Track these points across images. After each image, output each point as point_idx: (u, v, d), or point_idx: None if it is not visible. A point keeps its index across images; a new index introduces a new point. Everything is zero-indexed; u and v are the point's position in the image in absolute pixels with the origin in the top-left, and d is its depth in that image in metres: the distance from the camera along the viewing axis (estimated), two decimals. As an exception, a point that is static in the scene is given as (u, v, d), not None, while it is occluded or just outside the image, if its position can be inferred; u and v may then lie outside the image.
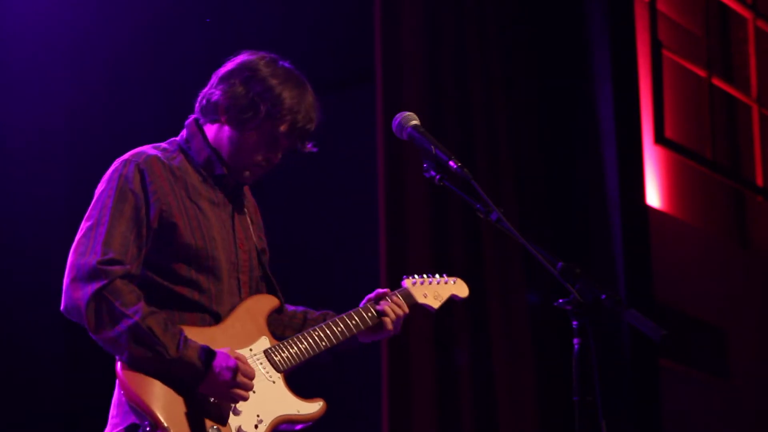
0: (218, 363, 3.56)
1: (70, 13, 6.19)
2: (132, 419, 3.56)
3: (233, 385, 3.58)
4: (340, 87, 6.49)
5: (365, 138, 6.27)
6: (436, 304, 4.17)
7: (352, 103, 6.44)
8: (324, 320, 3.94)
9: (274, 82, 3.74)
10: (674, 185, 8.19)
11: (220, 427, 3.57)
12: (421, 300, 4.12)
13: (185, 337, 3.56)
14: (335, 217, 6.44)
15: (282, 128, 3.74)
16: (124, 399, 3.58)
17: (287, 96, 3.73)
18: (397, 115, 3.70)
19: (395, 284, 6.32)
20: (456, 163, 3.51)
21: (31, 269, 6.05)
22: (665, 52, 7.97)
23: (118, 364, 3.56)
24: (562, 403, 6.42)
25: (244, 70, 3.76)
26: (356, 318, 3.91)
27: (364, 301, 3.98)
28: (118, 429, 3.59)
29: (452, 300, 4.23)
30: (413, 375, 6.11)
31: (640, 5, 7.80)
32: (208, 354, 3.56)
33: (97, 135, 6.14)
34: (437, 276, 4.20)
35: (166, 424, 3.48)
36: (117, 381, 3.61)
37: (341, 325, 3.88)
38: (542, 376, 6.65)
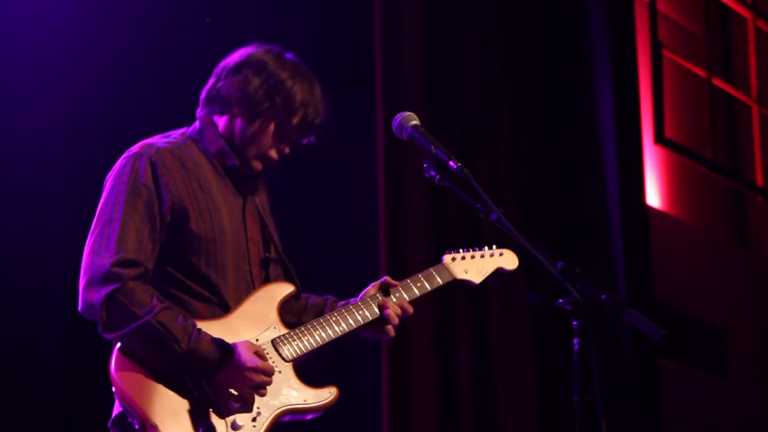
0: (239, 359, 3.58)
1: (70, 12, 6.19)
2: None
3: (253, 384, 3.60)
4: (339, 87, 6.49)
5: (365, 138, 6.27)
6: (478, 279, 4.08)
7: (352, 103, 6.44)
8: (326, 304, 3.95)
9: (285, 75, 3.80)
10: (674, 185, 8.19)
11: (214, 422, 3.56)
12: (460, 276, 4.05)
13: (198, 329, 3.58)
14: (335, 217, 6.44)
15: (294, 121, 3.81)
16: None
17: (299, 89, 3.80)
18: (397, 115, 3.70)
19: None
20: (456, 163, 3.51)
21: (31, 269, 6.04)
22: (665, 52, 7.97)
23: (112, 363, 3.57)
24: (562, 403, 6.41)
25: (255, 63, 3.81)
26: (366, 309, 3.88)
27: (369, 287, 3.94)
28: (115, 414, 3.62)
29: (499, 272, 4.13)
30: (413, 375, 6.11)
31: (640, 5, 7.80)
32: (222, 347, 3.58)
33: (97, 135, 6.13)
34: (485, 248, 4.12)
35: (154, 422, 3.49)
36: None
37: (357, 314, 3.85)
38: (542, 376, 6.65)
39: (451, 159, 3.52)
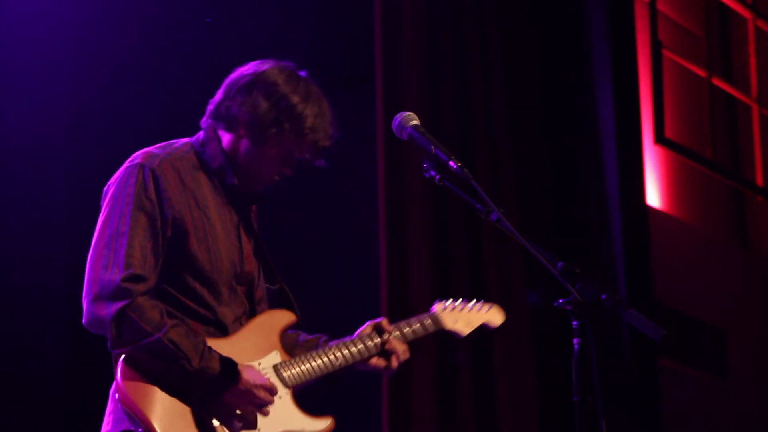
0: (245, 377, 3.58)
1: (70, 12, 6.19)
2: (123, 426, 3.56)
3: (258, 402, 3.61)
4: (339, 87, 6.49)
5: (365, 138, 6.26)
6: (465, 331, 4.18)
7: (352, 103, 6.44)
8: (318, 342, 3.94)
9: (296, 99, 3.72)
10: (674, 185, 8.19)
11: None
12: (449, 326, 4.14)
13: (208, 347, 3.57)
14: (335, 217, 6.43)
15: (302, 146, 3.74)
16: (118, 406, 3.57)
17: (309, 113, 3.72)
18: (397, 115, 3.68)
19: (395, 285, 6.32)
20: (456, 163, 3.49)
21: (31, 269, 6.04)
22: (665, 52, 7.97)
23: (118, 371, 3.55)
24: (562, 403, 6.41)
25: (267, 85, 3.72)
26: (368, 342, 3.92)
27: (365, 326, 3.97)
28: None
29: (484, 327, 4.23)
30: (413, 374, 6.11)
31: (640, 5, 7.80)
32: (230, 366, 3.57)
33: (97, 135, 6.13)
34: (473, 302, 4.21)
35: None
36: (113, 388, 3.60)
37: (357, 346, 3.90)
38: (542, 376, 6.64)
39: (451, 159, 3.50)
